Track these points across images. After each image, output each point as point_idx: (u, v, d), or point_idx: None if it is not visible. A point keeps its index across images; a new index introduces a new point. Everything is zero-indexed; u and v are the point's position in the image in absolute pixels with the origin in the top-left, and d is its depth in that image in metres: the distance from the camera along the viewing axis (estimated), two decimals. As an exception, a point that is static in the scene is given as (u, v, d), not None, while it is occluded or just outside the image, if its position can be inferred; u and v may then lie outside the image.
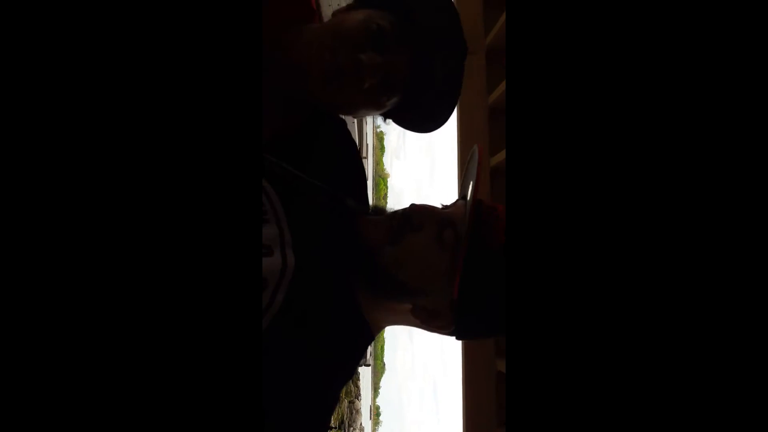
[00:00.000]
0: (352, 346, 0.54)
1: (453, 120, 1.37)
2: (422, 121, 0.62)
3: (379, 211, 0.56)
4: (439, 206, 0.55)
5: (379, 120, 0.64)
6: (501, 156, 1.18)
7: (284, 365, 0.46)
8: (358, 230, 0.53)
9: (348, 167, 0.65)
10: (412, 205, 0.53)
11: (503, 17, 1.17)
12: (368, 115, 0.62)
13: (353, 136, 0.68)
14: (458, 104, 1.35)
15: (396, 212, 0.53)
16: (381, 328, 0.57)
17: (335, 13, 0.59)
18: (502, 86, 1.17)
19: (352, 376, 0.55)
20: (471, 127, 1.31)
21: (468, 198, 0.51)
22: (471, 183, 0.52)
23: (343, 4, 0.61)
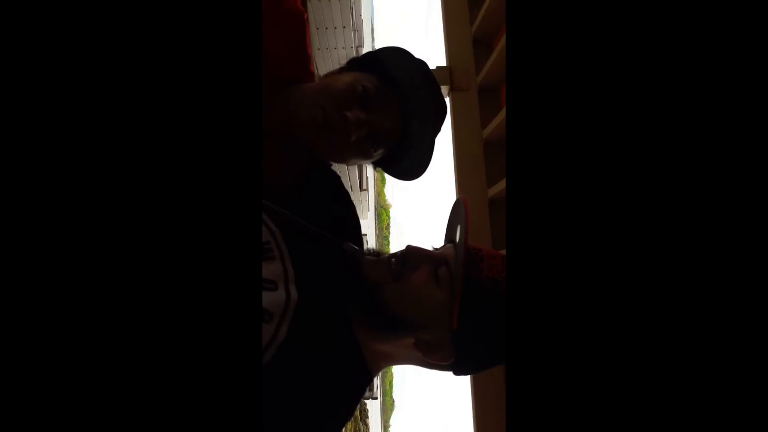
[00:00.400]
0: (349, 381, 0.55)
1: (450, 153, 1.42)
2: (403, 172, 0.69)
3: (376, 253, 0.61)
4: (431, 249, 0.60)
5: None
6: (498, 187, 1.22)
7: (286, 399, 0.47)
8: (358, 270, 0.56)
9: (343, 215, 0.70)
10: (408, 247, 0.57)
11: (493, 57, 1.23)
12: (358, 163, 0.68)
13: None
14: (454, 138, 1.40)
15: (394, 254, 0.57)
16: (380, 368, 0.59)
17: (326, 75, 0.66)
18: (495, 121, 1.22)
19: (352, 413, 0.57)
20: (468, 160, 1.36)
21: (458, 240, 0.56)
22: (459, 227, 0.57)
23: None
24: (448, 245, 0.59)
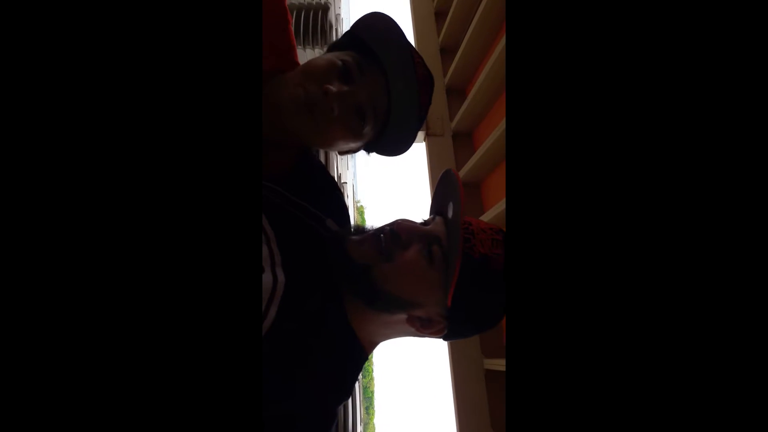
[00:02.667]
0: (344, 360, 0.54)
1: (428, 193, 1.46)
2: (388, 145, 0.66)
3: (360, 230, 0.59)
4: (420, 221, 0.58)
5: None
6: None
7: (279, 381, 0.46)
8: (347, 249, 0.54)
9: (329, 197, 0.70)
10: (399, 223, 0.55)
11: (466, 104, 1.31)
12: (348, 147, 0.66)
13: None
14: (431, 181, 1.46)
15: (384, 230, 0.55)
16: (374, 344, 0.58)
17: (308, 62, 0.63)
18: (470, 164, 1.28)
19: (350, 393, 0.55)
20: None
21: (450, 216, 0.56)
22: (452, 204, 0.55)
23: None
24: (438, 219, 0.58)
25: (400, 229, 0.54)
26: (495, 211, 1.06)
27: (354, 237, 0.56)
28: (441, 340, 0.60)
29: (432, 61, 1.52)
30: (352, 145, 0.65)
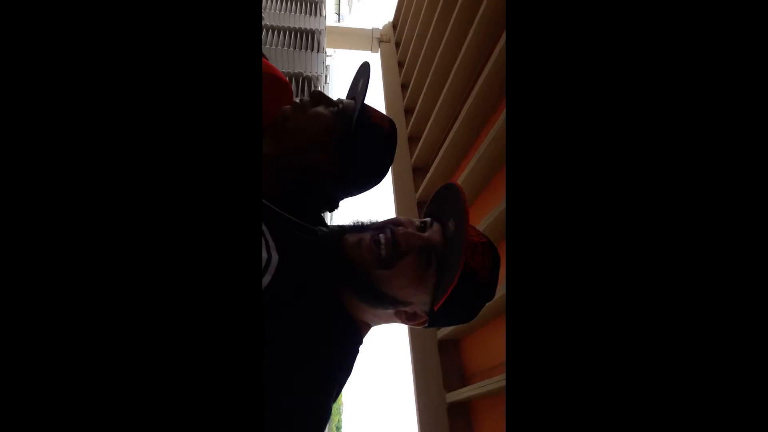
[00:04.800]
0: (341, 337, 0.58)
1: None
2: (365, 176, 0.71)
3: (358, 226, 0.62)
4: (417, 223, 0.61)
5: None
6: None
7: (273, 352, 0.47)
8: (344, 248, 0.58)
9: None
10: (398, 230, 0.58)
11: (425, 179, 1.54)
12: (325, 169, 0.68)
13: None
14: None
15: (383, 233, 0.58)
16: (367, 326, 0.62)
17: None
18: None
19: (350, 371, 0.58)
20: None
21: (452, 229, 0.59)
22: (453, 220, 0.59)
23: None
24: (436, 227, 0.61)
25: (399, 238, 0.56)
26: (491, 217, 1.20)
27: (351, 236, 0.59)
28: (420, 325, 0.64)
29: (405, 178, 1.80)
30: (329, 165, 0.69)
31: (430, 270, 0.56)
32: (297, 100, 0.68)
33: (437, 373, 1.33)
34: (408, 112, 2.14)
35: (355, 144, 0.67)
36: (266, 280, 0.52)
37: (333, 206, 0.73)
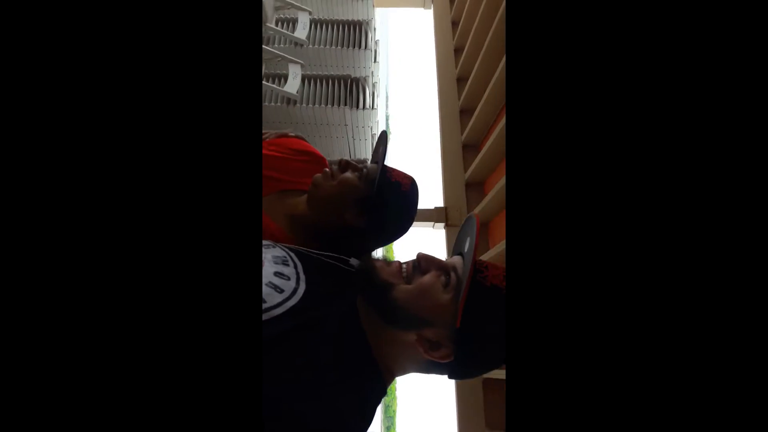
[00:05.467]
0: (363, 382, 0.59)
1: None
2: (392, 227, 0.82)
3: (386, 261, 0.66)
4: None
5: None
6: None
7: (296, 390, 0.50)
8: (374, 268, 0.62)
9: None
10: (420, 254, 0.63)
11: (486, 199, 1.41)
12: (355, 226, 0.79)
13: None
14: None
15: (405, 261, 0.63)
16: (391, 372, 0.62)
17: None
18: (492, 252, 1.36)
19: (371, 420, 0.58)
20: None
21: (466, 250, 0.62)
22: (468, 239, 0.62)
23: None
24: (456, 257, 0.64)
25: (420, 258, 0.62)
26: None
27: (378, 261, 0.64)
28: (446, 377, 0.64)
29: (454, 154, 1.66)
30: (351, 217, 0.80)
31: (450, 287, 0.58)
32: (326, 169, 0.80)
33: (480, 412, 1.29)
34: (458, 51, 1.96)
35: (378, 202, 0.76)
36: (291, 304, 0.59)
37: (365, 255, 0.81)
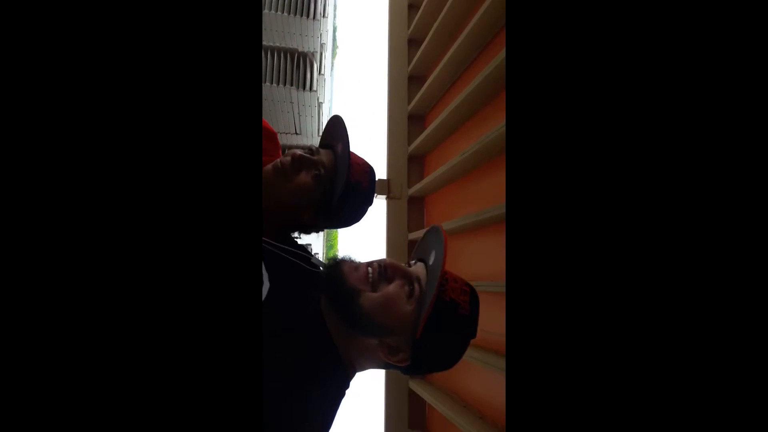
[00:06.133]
0: (328, 376, 0.61)
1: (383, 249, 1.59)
2: (348, 221, 0.83)
3: (352, 260, 0.67)
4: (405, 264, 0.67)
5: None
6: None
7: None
8: (344, 271, 0.63)
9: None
10: (387, 261, 0.65)
11: (427, 178, 1.45)
12: (309, 223, 0.80)
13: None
14: (387, 238, 1.59)
15: (371, 263, 0.65)
16: (354, 367, 0.65)
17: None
18: (421, 231, 1.43)
19: (334, 413, 0.61)
20: (395, 255, 1.55)
21: (431, 263, 0.64)
22: (434, 252, 0.65)
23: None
24: (419, 264, 0.67)
25: (387, 265, 0.64)
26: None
27: (348, 264, 0.65)
28: (400, 372, 0.68)
29: (399, 126, 1.65)
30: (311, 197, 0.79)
31: (414, 298, 0.62)
32: (278, 162, 0.75)
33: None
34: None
35: (339, 206, 0.76)
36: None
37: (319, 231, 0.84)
